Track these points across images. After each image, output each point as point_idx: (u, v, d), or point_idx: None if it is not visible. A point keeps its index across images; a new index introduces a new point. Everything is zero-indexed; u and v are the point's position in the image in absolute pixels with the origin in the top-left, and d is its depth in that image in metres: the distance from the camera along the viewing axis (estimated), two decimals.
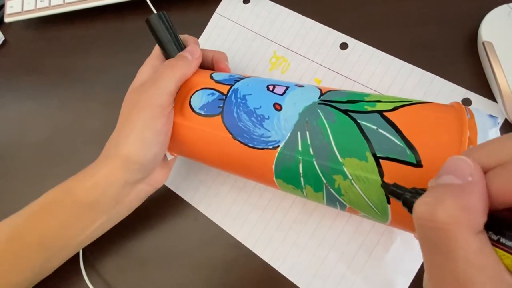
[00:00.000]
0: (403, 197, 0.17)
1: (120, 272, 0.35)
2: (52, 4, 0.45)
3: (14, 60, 0.48)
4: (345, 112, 0.23)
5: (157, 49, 0.32)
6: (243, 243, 0.33)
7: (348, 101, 0.24)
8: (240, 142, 0.26)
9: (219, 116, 0.27)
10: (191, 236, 0.35)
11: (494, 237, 0.13)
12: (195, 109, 0.28)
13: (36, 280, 0.30)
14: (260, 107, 0.26)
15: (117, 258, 0.35)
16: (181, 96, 0.29)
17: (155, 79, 0.28)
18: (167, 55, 0.31)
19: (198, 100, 0.28)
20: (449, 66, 0.35)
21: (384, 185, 0.21)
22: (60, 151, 0.41)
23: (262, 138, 0.25)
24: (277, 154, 0.24)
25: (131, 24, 0.46)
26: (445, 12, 0.37)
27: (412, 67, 0.34)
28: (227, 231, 0.34)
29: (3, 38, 0.49)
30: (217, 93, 0.28)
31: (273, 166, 0.25)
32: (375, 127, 0.22)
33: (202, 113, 0.28)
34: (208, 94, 0.28)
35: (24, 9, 0.46)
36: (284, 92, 0.26)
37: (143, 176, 0.29)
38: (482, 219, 0.13)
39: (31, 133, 0.43)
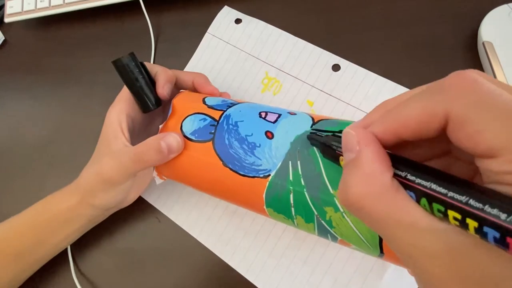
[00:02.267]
0: (321, 147, 0.20)
1: (113, 275, 0.35)
2: (52, 4, 0.45)
3: (14, 60, 0.48)
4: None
5: (124, 90, 0.31)
6: (236, 269, 0.32)
7: (340, 132, 0.24)
8: (231, 169, 0.25)
9: (210, 142, 0.26)
10: (190, 238, 0.35)
11: (411, 178, 0.13)
12: (186, 134, 0.28)
13: None
14: (252, 134, 0.26)
15: (110, 261, 0.35)
16: (173, 121, 0.29)
17: (119, 162, 0.27)
18: (136, 99, 0.30)
19: (190, 125, 0.28)
20: (449, 66, 0.35)
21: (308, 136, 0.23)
22: (60, 151, 0.41)
23: (253, 166, 0.25)
24: (267, 183, 0.24)
25: (131, 24, 0.46)
26: (445, 12, 0.37)
27: (405, 90, 0.33)
28: (220, 256, 0.33)
29: (3, 38, 0.49)
30: (209, 119, 0.28)
31: (264, 195, 0.24)
32: None
33: (193, 138, 0.27)
34: (200, 120, 0.28)
35: (24, 9, 0.46)
36: (276, 120, 0.26)
37: (111, 209, 0.32)
38: (386, 174, 0.14)
39: (31, 133, 0.43)
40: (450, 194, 0.12)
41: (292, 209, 0.24)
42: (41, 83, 0.45)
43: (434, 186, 0.13)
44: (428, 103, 0.13)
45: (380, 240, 0.21)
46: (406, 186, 0.14)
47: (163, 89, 0.30)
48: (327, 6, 0.40)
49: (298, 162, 0.23)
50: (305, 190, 0.23)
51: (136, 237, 0.35)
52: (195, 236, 0.34)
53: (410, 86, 0.35)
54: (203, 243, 0.34)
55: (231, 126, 0.27)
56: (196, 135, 0.27)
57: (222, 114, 0.28)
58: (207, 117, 0.28)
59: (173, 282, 0.33)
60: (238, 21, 0.41)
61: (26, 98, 0.45)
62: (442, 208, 0.12)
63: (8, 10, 0.47)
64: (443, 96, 0.13)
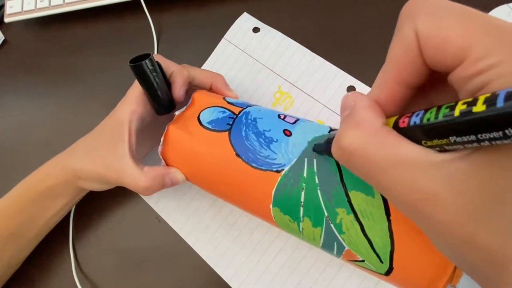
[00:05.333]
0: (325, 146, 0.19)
1: (113, 275, 0.35)
2: (52, 4, 0.45)
3: (14, 60, 0.48)
4: None
5: (137, 88, 0.29)
6: (228, 282, 0.32)
7: None
8: (243, 160, 0.25)
9: (226, 133, 0.26)
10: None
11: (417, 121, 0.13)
12: (202, 123, 0.27)
13: (7, 273, 0.32)
14: (270, 130, 0.26)
15: (110, 261, 0.35)
16: (191, 110, 0.29)
17: (120, 174, 0.28)
18: (152, 102, 0.29)
19: (208, 115, 0.28)
20: None
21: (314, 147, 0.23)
22: (60, 151, 0.41)
23: (267, 160, 0.24)
24: (280, 177, 0.23)
25: (131, 24, 0.46)
26: None
27: None
28: (213, 268, 0.33)
29: (3, 38, 0.49)
30: (228, 112, 0.28)
31: (273, 191, 0.24)
32: None
33: (210, 127, 0.27)
34: (219, 112, 0.28)
35: (24, 9, 0.46)
36: (295, 122, 0.26)
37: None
38: (378, 119, 0.14)
39: (31, 133, 0.43)
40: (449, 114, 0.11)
41: (301, 209, 0.23)
42: (41, 83, 0.45)
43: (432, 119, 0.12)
44: (401, 38, 0.14)
45: (391, 252, 0.20)
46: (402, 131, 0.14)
47: (179, 92, 0.29)
48: (341, 48, 0.40)
49: (314, 160, 0.23)
50: (318, 188, 0.22)
51: (136, 237, 0.35)
52: (190, 244, 0.34)
53: None
54: (198, 252, 0.33)
55: (249, 121, 0.27)
56: (213, 124, 0.27)
57: (242, 110, 0.28)
58: (226, 111, 0.28)
59: (173, 282, 0.33)
60: (256, 29, 0.40)
61: (26, 98, 0.45)
62: (442, 131, 0.12)
63: (8, 10, 0.47)
64: (407, 24, 0.13)
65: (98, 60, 0.45)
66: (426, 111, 0.13)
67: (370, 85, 0.35)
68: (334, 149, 0.16)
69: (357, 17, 0.39)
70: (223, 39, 0.40)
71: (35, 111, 0.44)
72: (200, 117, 0.28)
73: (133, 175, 0.27)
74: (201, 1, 0.44)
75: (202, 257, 0.33)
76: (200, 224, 0.34)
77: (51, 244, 0.33)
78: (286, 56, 0.38)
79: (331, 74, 0.36)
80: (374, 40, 0.37)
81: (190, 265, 0.33)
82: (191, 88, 0.32)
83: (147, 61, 0.27)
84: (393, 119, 0.15)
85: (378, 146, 0.13)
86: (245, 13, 0.41)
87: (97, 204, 0.36)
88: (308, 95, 0.36)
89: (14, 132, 0.44)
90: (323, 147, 0.21)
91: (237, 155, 0.25)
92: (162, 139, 0.28)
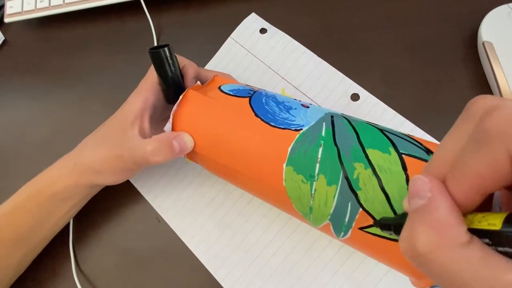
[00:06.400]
0: (393, 227, 0.17)
1: (113, 275, 0.35)
2: (52, 4, 0.45)
3: (14, 60, 0.48)
4: (368, 122, 0.25)
5: (153, 77, 0.30)
6: (220, 282, 0.32)
7: (368, 123, 0.25)
8: (262, 119, 0.25)
9: (247, 98, 0.27)
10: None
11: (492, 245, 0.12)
12: (224, 90, 0.28)
13: (15, 276, 0.32)
14: (289, 102, 0.27)
15: (110, 261, 0.35)
16: (212, 84, 0.30)
17: (132, 156, 0.28)
18: (166, 89, 0.31)
19: (229, 86, 0.29)
20: (449, 66, 0.35)
21: (376, 223, 0.21)
22: (60, 151, 0.41)
23: (286, 121, 0.25)
24: (298, 135, 0.24)
25: (131, 24, 0.46)
26: (445, 12, 0.37)
27: (423, 134, 0.33)
28: (207, 267, 0.33)
29: (3, 38, 0.49)
30: (248, 88, 0.29)
31: (289, 149, 0.23)
32: (397, 135, 0.23)
33: (231, 93, 0.28)
34: (240, 86, 0.29)
35: (24, 9, 0.46)
36: (309, 106, 0.28)
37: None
38: (459, 228, 0.12)
39: (31, 133, 0.43)
40: None
41: (317, 165, 0.22)
42: (41, 83, 0.45)
43: None
44: (491, 158, 0.12)
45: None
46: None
47: (191, 83, 0.30)
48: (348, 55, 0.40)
49: (332, 122, 0.24)
50: (336, 144, 0.23)
51: (136, 237, 0.35)
52: (185, 242, 0.34)
53: (411, 89, 0.35)
54: (192, 250, 0.33)
55: (269, 94, 0.28)
56: (234, 91, 0.28)
57: (259, 89, 0.30)
58: (246, 87, 0.29)
59: (173, 282, 0.33)
60: (263, 30, 0.40)
61: (26, 98, 0.45)
62: None
63: (8, 10, 0.47)
64: (499, 145, 0.12)
65: (98, 60, 0.45)
66: None
67: (373, 92, 0.35)
68: (406, 248, 0.13)
69: (357, 17, 0.39)
70: (229, 38, 0.40)
71: (35, 111, 0.44)
72: (221, 87, 0.29)
73: (142, 144, 0.27)
74: (201, 1, 0.44)
75: (196, 255, 0.33)
76: (196, 222, 0.34)
77: (51, 244, 0.33)
78: (292, 59, 0.38)
79: (336, 80, 0.36)
80: (376, 40, 0.38)
81: (190, 265, 0.33)
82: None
83: (166, 48, 0.28)
84: (473, 219, 0.13)
85: (462, 257, 0.12)
86: (253, 13, 0.41)
87: (97, 204, 0.35)
88: (312, 100, 0.36)
89: (14, 132, 0.43)
90: (389, 225, 0.18)
91: (256, 115, 0.26)
92: (179, 100, 0.28)
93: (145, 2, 0.43)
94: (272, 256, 0.32)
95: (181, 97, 0.28)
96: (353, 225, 0.22)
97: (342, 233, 0.23)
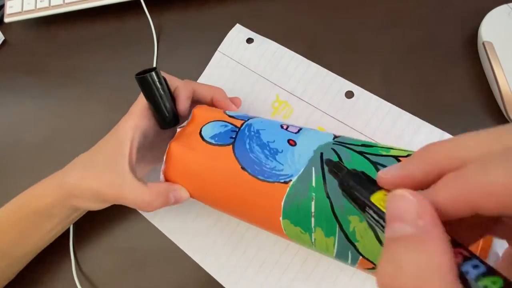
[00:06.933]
0: (342, 182, 0.16)
1: (113, 275, 0.35)
2: (52, 4, 0.45)
3: (14, 60, 0.48)
4: (361, 153, 0.23)
5: (143, 102, 0.29)
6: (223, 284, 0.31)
7: (363, 145, 0.24)
8: (249, 173, 0.24)
9: (230, 146, 0.26)
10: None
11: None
12: (205, 138, 0.27)
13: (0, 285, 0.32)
14: (274, 141, 0.25)
15: (110, 261, 0.35)
16: (192, 126, 0.28)
17: (119, 191, 0.27)
18: (157, 114, 0.29)
19: (210, 130, 0.27)
20: (449, 66, 0.35)
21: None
22: (60, 151, 0.41)
23: (273, 171, 0.24)
24: (288, 188, 0.23)
25: (131, 24, 0.46)
26: (445, 12, 0.37)
27: (421, 122, 0.32)
28: (223, 284, 0.32)
29: (3, 38, 0.49)
30: (230, 125, 0.27)
31: (282, 203, 0.23)
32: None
33: (213, 142, 0.26)
34: (221, 126, 0.27)
35: (24, 9, 0.46)
36: (298, 131, 0.26)
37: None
38: (453, 271, 0.10)
39: (31, 133, 0.43)
40: None
41: (312, 219, 0.22)
42: (41, 83, 0.45)
43: None
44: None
45: None
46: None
47: (183, 106, 0.29)
48: (334, 53, 0.40)
49: (322, 166, 0.22)
50: (328, 197, 0.22)
51: (136, 237, 0.35)
52: (198, 262, 0.33)
53: (412, 89, 0.35)
54: (206, 269, 0.33)
55: (252, 133, 0.26)
56: (216, 139, 0.26)
57: (244, 122, 0.27)
58: (228, 124, 0.27)
59: (173, 282, 0.33)
60: (249, 40, 0.39)
61: (26, 98, 0.45)
62: None
63: (8, 10, 0.47)
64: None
65: (98, 60, 0.45)
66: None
67: (367, 88, 0.35)
68: (386, 282, 0.11)
69: (357, 17, 0.39)
70: (217, 51, 0.40)
71: (35, 111, 0.44)
72: (202, 133, 0.27)
73: (135, 190, 0.26)
74: (201, 1, 0.44)
75: (211, 274, 0.32)
76: (205, 240, 0.33)
77: (51, 245, 0.33)
78: (282, 65, 0.38)
79: (328, 80, 0.36)
80: (376, 40, 0.37)
81: (190, 265, 0.33)
82: (193, 102, 0.31)
83: (153, 73, 0.27)
84: None
85: None
86: (237, 24, 0.41)
87: None
88: (307, 102, 0.36)
89: (14, 132, 0.44)
90: (336, 178, 0.17)
91: (243, 168, 0.24)
92: (164, 157, 0.27)
93: (145, 2, 0.43)
94: (288, 266, 0.31)
95: (165, 155, 0.27)
96: (356, 266, 0.23)
97: (349, 266, 0.24)
